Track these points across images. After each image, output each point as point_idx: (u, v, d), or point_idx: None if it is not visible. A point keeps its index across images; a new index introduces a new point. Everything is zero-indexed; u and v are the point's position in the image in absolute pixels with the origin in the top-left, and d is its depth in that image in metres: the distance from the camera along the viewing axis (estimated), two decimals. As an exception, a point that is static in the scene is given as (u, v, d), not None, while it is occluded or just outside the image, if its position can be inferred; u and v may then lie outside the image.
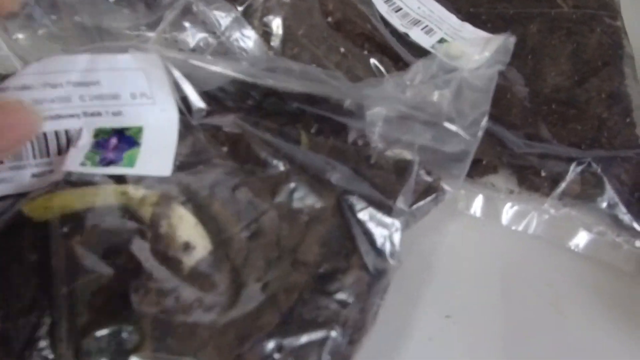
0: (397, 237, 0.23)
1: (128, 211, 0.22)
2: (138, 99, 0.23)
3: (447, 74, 0.27)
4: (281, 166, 0.23)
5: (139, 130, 0.23)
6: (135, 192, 0.22)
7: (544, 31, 0.45)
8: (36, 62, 0.22)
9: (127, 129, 0.23)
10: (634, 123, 0.37)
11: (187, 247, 0.21)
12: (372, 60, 0.37)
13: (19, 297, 0.20)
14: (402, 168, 0.26)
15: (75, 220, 0.21)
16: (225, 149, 0.24)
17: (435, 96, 0.25)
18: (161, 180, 0.22)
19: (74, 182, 0.21)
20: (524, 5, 0.47)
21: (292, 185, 0.23)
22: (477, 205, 0.33)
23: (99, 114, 0.23)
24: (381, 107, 0.25)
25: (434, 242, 0.32)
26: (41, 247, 0.20)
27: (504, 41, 0.30)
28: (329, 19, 0.37)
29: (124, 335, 0.19)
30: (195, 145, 0.23)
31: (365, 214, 0.23)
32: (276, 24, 0.35)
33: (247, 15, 0.35)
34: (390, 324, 0.27)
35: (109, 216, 0.21)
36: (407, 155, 0.26)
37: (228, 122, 0.24)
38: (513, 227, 0.33)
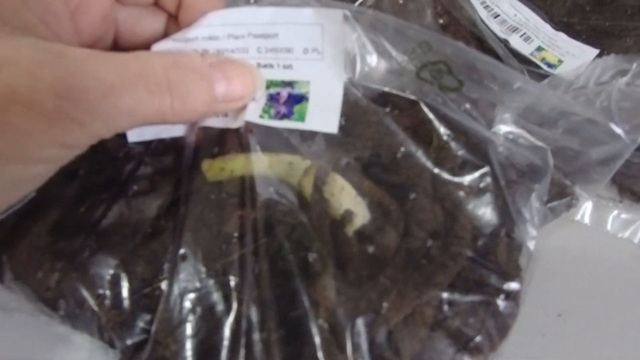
0: (535, 223, 0.25)
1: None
2: (309, 53, 0.25)
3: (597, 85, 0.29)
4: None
5: (307, 84, 0.26)
6: (301, 162, 0.24)
7: (640, 45, 0.47)
8: (223, 10, 0.25)
9: (295, 82, 0.26)
10: None
11: (349, 214, 0.23)
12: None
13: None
14: (536, 169, 0.28)
15: (244, 188, 0.23)
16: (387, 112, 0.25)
17: (592, 101, 0.28)
18: (327, 145, 0.24)
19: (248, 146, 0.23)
20: (616, 17, 0.49)
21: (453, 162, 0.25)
22: (585, 211, 0.35)
23: (271, 66, 0.26)
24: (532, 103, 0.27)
25: (543, 245, 0.34)
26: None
27: None
28: (440, 21, 0.39)
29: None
30: (357, 106, 0.25)
31: (520, 198, 0.25)
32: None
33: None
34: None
35: (273, 186, 0.23)
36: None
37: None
38: (619, 235, 0.34)
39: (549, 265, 0.34)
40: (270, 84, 0.26)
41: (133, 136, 0.26)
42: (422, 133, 0.26)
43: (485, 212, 0.25)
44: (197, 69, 0.23)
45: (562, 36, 0.47)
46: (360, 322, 0.22)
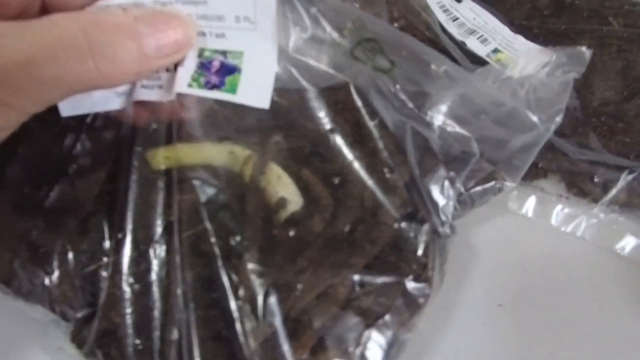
0: (449, 209, 0.27)
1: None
2: (242, 22, 0.25)
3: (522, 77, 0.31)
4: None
5: (240, 54, 0.25)
6: (242, 152, 0.25)
7: (595, 47, 0.49)
8: None
9: (228, 52, 0.25)
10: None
11: (283, 201, 0.25)
12: (433, 66, 0.40)
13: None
14: (455, 156, 0.29)
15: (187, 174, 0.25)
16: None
17: (516, 92, 0.29)
18: (260, 129, 0.25)
19: (192, 136, 0.25)
20: (574, 21, 0.51)
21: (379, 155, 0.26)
22: (529, 205, 0.37)
23: (203, 34, 0.25)
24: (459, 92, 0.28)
25: (487, 236, 0.35)
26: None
27: (579, 51, 0.34)
28: (395, 25, 0.41)
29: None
30: (290, 83, 0.26)
31: (434, 185, 0.27)
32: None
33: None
34: (448, 309, 0.31)
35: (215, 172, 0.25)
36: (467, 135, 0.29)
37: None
38: (562, 229, 0.36)
39: (493, 256, 0.36)
40: (202, 52, 0.25)
41: (65, 110, 0.26)
42: (353, 117, 0.28)
43: (404, 198, 0.27)
44: (119, 25, 0.22)
45: (520, 39, 0.48)
46: (273, 299, 0.23)
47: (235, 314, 0.23)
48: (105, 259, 0.25)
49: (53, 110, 0.24)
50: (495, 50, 0.47)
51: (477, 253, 0.35)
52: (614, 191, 0.37)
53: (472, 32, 0.47)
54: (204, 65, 0.25)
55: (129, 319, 0.24)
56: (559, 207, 0.37)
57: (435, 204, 0.28)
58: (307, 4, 0.27)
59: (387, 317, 0.24)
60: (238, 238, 0.24)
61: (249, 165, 0.26)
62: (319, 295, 0.24)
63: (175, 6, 0.24)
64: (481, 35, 0.47)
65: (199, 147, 0.26)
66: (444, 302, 0.31)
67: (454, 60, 0.43)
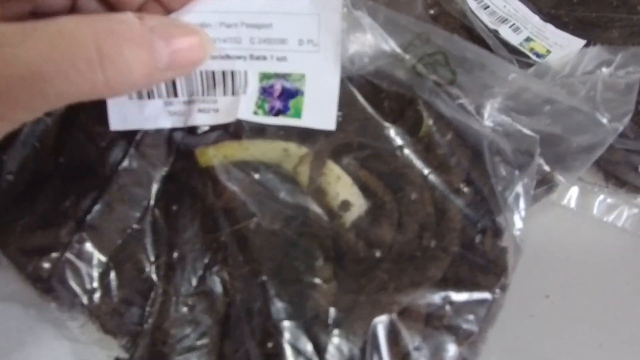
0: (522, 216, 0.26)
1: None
2: (304, 45, 0.24)
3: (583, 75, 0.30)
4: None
5: (302, 77, 0.25)
6: (297, 150, 0.24)
7: (625, 36, 0.48)
8: None
9: (289, 75, 0.25)
10: None
11: (345, 204, 0.24)
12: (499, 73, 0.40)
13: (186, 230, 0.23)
14: (524, 160, 0.28)
15: (238, 170, 0.24)
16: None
17: (577, 91, 0.28)
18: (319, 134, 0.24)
19: (242, 132, 0.24)
20: (603, 10, 0.50)
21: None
22: (571, 196, 0.36)
23: (264, 57, 0.25)
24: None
25: (529, 228, 0.34)
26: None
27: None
28: (431, 12, 0.40)
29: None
30: (350, 100, 0.25)
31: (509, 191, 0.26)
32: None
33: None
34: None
35: (268, 173, 0.24)
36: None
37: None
38: (604, 219, 0.36)
39: (537, 248, 0.35)
40: (263, 77, 0.25)
41: (115, 124, 0.25)
42: (414, 126, 0.26)
43: (473, 204, 0.26)
44: (134, 36, 0.20)
45: (550, 27, 0.47)
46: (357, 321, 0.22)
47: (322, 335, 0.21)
48: (153, 278, 0.24)
49: (102, 122, 0.23)
50: (528, 39, 0.46)
51: (519, 251, 0.34)
52: (657, 183, 0.36)
53: (504, 20, 0.46)
54: (265, 90, 0.25)
55: (184, 343, 0.23)
56: (600, 197, 0.36)
57: (509, 209, 0.27)
58: (371, 21, 0.26)
59: (473, 333, 0.23)
60: (312, 255, 0.23)
61: (305, 165, 0.24)
62: (402, 310, 0.22)
63: (239, 29, 0.24)
64: (513, 24, 0.46)
65: (248, 144, 0.24)
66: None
67: (489, 49, 0.42)
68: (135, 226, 0.24)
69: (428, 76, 0.27)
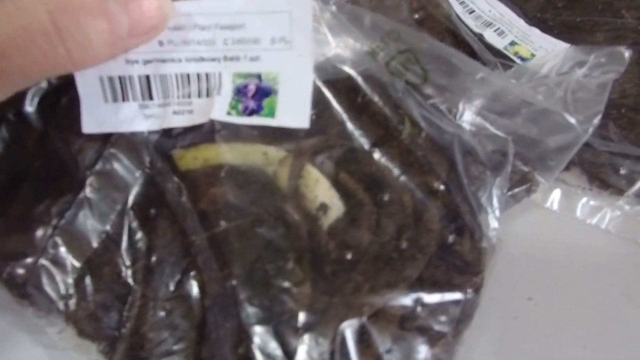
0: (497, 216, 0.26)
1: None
2: (277, 43, 0.24)
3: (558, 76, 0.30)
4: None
5: (275, 76, 0.25)
6: (276, 153, 0.24)
7: (610, 40, 0.48)
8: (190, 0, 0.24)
9: (263, 74, 0.25)
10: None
11: (323, 207, 0.24)
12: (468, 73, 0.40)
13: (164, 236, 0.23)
14: (497, 160, 0.29)
15: (216, 174, 0.24)
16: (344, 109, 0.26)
17: (553, 91, 0.29)
18: (297, 137, 0.24)
19: (222, 135, 0.24)
20: (588, 14, 0.50)
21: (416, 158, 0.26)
22: (554, 198, 0.36)
23: (238, 58, 0.25)
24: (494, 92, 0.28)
25: (512, 230, 0.35)
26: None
27: (618, 51, 0.33)
28: (416, 16, 0.40)
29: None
30: (329, 104, 0.25)
31: (482, 192, 0.26)
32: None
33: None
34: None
35: (248, 175, 0.24)
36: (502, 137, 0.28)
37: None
38: (587, 221, 0.36)
39: (520, 250, 0.35)
40: (237, 77, 0.25)
41: (88, 127, 0.25)
42: (391, 126, 0.27)
43: (450, 205, 0.26)
44: (89, 6, 0.20)
45: (535, 31, 0.48)
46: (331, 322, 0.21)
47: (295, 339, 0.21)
48: (130, 282, 0.24)
49: (77, 125, 0.23)
50: (513, 43, 0.46)
51: (503, 246, 0.34)
52: (639, 183, 0.36)
53: (489, 24, 0.46)
54: (239, 91, 0.24)
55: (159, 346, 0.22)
56: (584, 199, 0.36)
57: (484, 210, 0.27)
58: (344, 15, 0.26)
59: (447, 333, 0.23)
60: (291, 264, 0.22)
61: (284, 167, 0.24)
62: (376, 312, 0.22)
63: (214, 31, 0.24)
64: (498, 28, 0.46)
65: (228, 147, 0.24)
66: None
67: (474, 52, 0.42)
68: (111, 230, 0.24)
69: (401, 75, 0.27)
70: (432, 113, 0.27)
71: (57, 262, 0.23)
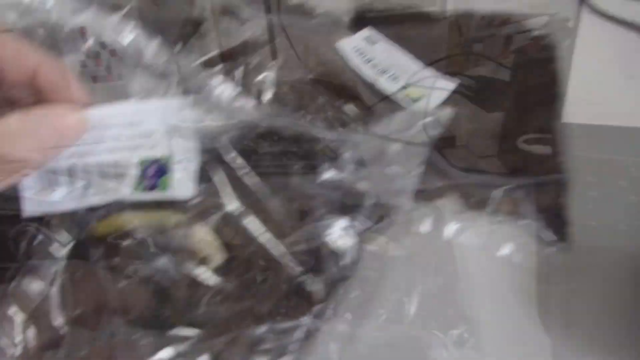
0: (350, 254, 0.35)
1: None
2: (170, 132, 0.32)
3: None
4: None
5: (169, 158, 0.32)
6: (171, 216, 0.32)
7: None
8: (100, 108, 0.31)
9: (160, 158, 0.32)
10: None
11: (205, 258, 0.32)
12: (345, 108, 0.47)
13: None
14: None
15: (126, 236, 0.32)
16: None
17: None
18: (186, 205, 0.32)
19: (128, 207, 0.32)
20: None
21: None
22: (428, 223, 0.44)
23: (141, 147, 0.32)
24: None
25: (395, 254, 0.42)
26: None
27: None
28: (310, 76, 0.48)
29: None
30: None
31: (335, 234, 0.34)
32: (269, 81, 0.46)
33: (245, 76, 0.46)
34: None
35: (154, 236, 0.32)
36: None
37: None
38: (455, 240, 0.43)
39: (400, 273, 0.43)
40: (142, 162, 0.32)
41: (28, 211, 0.31)
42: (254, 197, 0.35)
43: (303, 250, 0.34)
44: (23, 132, 0.27)
45: (428, 71, 0.55)
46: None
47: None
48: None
49: (17, 209, 0.30)
50: (405, 87, 0.53)
51: (386, 268, 0.42)
52: (495, 205, 0.44)
53: (383, 71, 0.53)
54: (143, 173, 0.32)
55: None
56: (452, 222, 0.44)
57: (338, 251, 0.34)
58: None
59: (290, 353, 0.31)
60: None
61: (179, 228, 0.32)
62: (231, 340, 0.30)
63: (119, 129, 0.31)
64: (392, 74, 0.53)
65: (132, 215, 0.33)
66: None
67: (364, 102, 0.50)
68: (48, 289, 0.32)
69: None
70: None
71: (6, 318, 0.32)
